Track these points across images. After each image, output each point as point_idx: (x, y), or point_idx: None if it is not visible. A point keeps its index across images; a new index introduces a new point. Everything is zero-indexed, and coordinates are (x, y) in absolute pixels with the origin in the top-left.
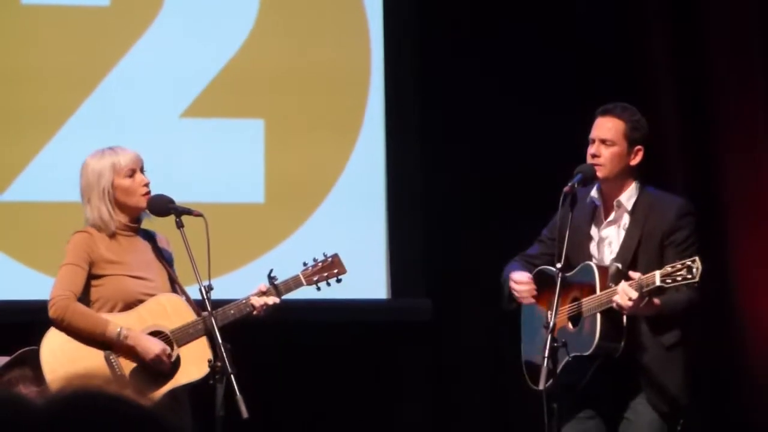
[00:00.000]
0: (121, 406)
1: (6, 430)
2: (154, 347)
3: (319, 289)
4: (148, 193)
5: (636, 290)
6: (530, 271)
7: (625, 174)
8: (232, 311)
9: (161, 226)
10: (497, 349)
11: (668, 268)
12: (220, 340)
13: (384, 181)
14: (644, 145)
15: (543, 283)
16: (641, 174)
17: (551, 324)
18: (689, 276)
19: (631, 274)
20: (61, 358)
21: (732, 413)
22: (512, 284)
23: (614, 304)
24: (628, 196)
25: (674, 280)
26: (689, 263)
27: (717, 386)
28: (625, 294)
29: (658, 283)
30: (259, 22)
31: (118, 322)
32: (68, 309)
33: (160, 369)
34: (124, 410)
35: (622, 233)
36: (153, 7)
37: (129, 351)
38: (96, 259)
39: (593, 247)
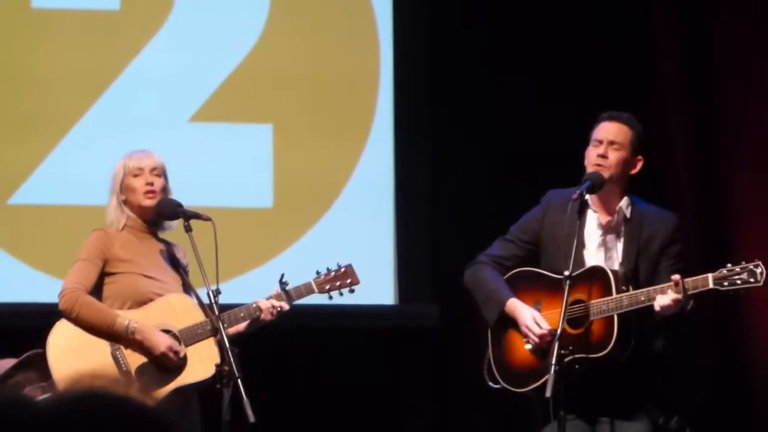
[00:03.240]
0: (127, 408)
1: (11, 430)
2: (162, 342)
3: (331, 297)
4: (150, 192)
5: (677, 293)
6: (502, 274)
7: (624, 182)
8: (242, 314)
9: (174, 236)
10: None
11: (724, 271)
12: (227, 344)
13: (393, 185)
14: (644, 157)
15: (525, 283)
16: (633, 184)
17: (558, 332)
18: (752, 280)
19: (673, 277)
20: (68, 352)
21: (737, 423)
22: (534, 329)
23: (656, 306)
24: (626, 204)
25: (732, 283)
26: (752, 267)
27: (721, 397)
28: (667, 297)
29: (711, 286)
30: (268, 27)
31: (127, 317)
32: (78, 300)
33: (167, 364)
34: (130, 411)
35: (621, 240)
36: (162, 11)
37: (137, 345)
38: (110, 257)
39: (588, 253)
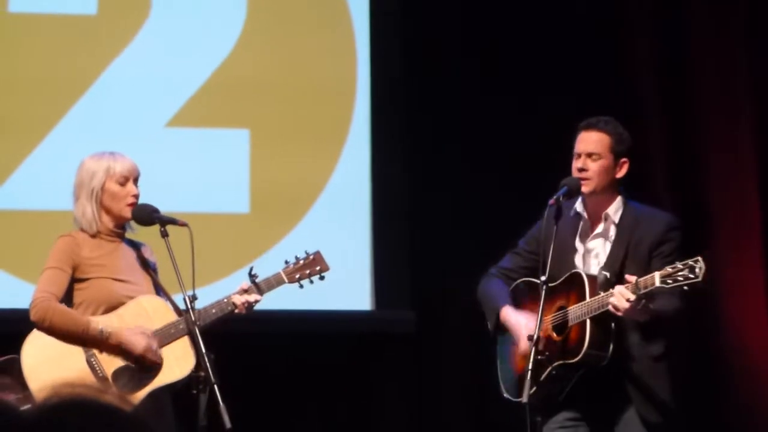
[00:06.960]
0: (109, 414)
1: None
2: (139, 342)
3: (301, 286)
4: (134, 204)
5: (632, 292)
6: (509, 286)
7: (611, 187)
8: (213, 310)
9: (147, 236)
10: (480, 361)
11: (668, 269)
12: (203, 350)
13: (369, 190)
14: (629, 158)
15: (523, 295)
16: (625, 187)
17: (535, 336)
18: (691, 276)
19: (628, 277)
20: (43, 362)
21: (715, 424)
22: (527, 342)
23: (610, 306)
24: (615, 208)
25: (675, 281)
26: (691, 263)
27: (701, 397)
28: (621, 296)
29: (657, 284)
30: (245, 32)
31: (100, 322)
32: (49, 309)
33: (145, 364)
34: (112, 418)
35: (609, 245)
36: (140, 16)
37: (114, 349)
38: (79, 262)
39: (578, 259)
